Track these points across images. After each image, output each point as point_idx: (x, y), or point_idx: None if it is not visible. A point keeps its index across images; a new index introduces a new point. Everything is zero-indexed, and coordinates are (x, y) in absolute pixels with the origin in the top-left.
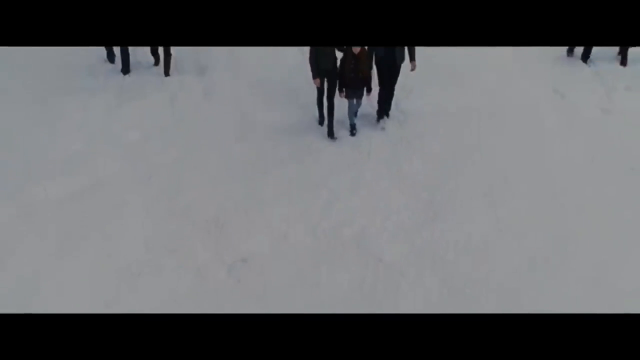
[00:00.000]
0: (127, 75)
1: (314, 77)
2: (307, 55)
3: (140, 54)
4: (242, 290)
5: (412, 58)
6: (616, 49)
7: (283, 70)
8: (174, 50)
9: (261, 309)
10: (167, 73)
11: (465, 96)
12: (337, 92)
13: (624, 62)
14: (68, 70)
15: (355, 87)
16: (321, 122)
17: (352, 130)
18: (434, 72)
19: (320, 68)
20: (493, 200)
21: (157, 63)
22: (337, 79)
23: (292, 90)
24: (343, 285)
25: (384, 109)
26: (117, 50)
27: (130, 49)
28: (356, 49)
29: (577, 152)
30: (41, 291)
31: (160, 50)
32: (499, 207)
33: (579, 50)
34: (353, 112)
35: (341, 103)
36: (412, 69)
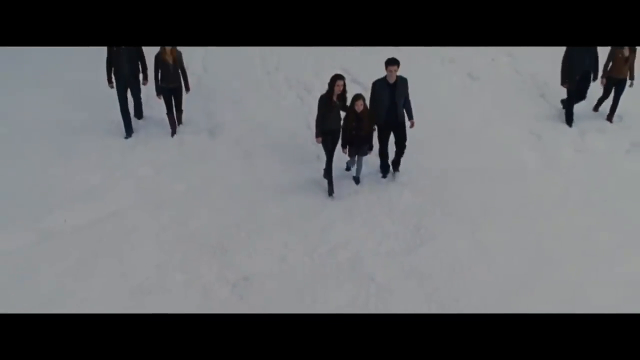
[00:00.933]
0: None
1: (317, 136)
2: (304, 99)
3: (154, 104)
4: (244, 306)
5: (410, 117)
6: (591, 105)
7: (282, 114)
8: (184, 106)
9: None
10: (179, 122)
11: (451, 138)
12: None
13: (596, 108)
14: (88, 123)
15: (358, 145)
16: (331, 193)
17: (348, 169)
18: (422, 119)
19: (325, 129)
20: (475, 228)
21: (175, 132)
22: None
23: (290, 131)
24: (338, 301)
25: (385, 163)
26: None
27: (143, 100)
28: (359, 107)
29: (553, 186)
30: (59, 307)
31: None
32: (480, 234)
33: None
34: (353, 168)
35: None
36: (411, 126)
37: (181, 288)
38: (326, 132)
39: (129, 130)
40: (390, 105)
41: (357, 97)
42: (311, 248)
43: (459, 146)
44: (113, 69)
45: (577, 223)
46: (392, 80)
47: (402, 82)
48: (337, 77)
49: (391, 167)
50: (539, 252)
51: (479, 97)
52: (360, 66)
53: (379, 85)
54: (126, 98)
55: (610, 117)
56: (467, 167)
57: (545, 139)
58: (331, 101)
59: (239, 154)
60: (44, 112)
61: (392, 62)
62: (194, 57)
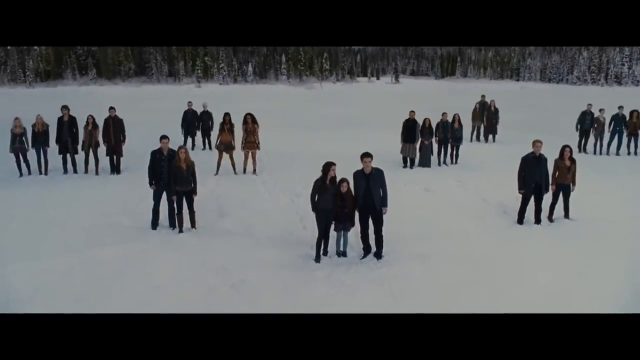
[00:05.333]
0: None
1: (313, 209)
2: (295, 201)
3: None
4: (240, 297)
5: (385, 204)
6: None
7: (277, 208)
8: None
9: (253, 309)
10: (193, 225)
11: (412, 222)
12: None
13: (550, 216)
14: (122, 216)
15: (343, 221)
16: (318, 260)
17: (339, 256)
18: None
19: (320, 208)
20: (426, 261)
21: (181, 230)
22: (334, 216)
23: (283, 215)
24: (315, 295)
25: (367, 245)
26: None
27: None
28: (343, 189)
29: (487, 244)
30: (97, 299)
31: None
32: (430, 264)
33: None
34: (340, 242)
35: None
36: (384, 213)
37: (190, 287)
38: (320, 211)
39: (154, 225)
40: (365, 192)
41: (342, 180)
42: (295, 270)
43: (417, 225)
44: (155, 174)
45: (497, 254)
46: (367, 170)
47: (377, 172)
48: (330, 164)
49: (375, 258)
50: (474, 276)
51: (433, 202)
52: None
53: (357, 175)
54: (160, 200)
55: (566, 216)
56: (422, 233)
57: (486, 220)
58: (325, 184)
59: (242, 225)
60: (90, 207)
61: (366, 155)
62: (208, 176)
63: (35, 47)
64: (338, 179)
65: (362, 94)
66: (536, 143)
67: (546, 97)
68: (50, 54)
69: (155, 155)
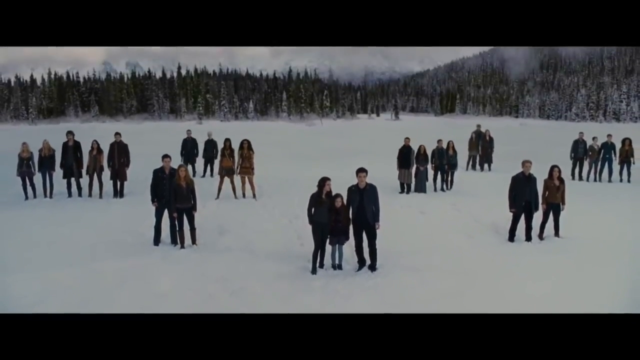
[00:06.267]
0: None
1: (310, 223)
2: (293, 222)
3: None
4: (240, 303)
5: (377, 219)
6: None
7: (276, 227)
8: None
9: (251, 311)
10: (193, 242)
11: (408, 238)
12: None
13: (541, 235)
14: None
15: (337, 235)
16: (314, 272)
17: (335, 269)
18: (389, 229)
19: (316, 221)
20: (418, 271)
21: (183, 246)
22: (329, 230)
23: (281, 232)
24: (311, 301)
25: (362, 258)
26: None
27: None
28: (338, 203)
29: (477, 258)
30: (103, 305)
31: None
32: (423, 275)
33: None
34: (335, 256)
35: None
36: (377, 228)
37: (191, 294)
38: (316, 223)
39: (157, 241)
40: (358, 206)
41: (337, 195)
42: (292, 280)
43: (412, 242)
44: (157, 192)
45: (492, 278)
46: (362, 185)
47: (371, 188)
48: (326, 179)
49: (370, 270)
50: (466, 286)
51: (428, 222)
52: None
53: (351, 190)
54: (161, 217)
55: (557, 234)
56: (416, 249)
57: (478, 238)
58: (320, 198)
59: (241, 242)
60: (94, 227)
61: (361, 170)
62: (209, 200)
63: (39, 85)
64: (333, 195)
65: (362, 129)
66: (525, 163)
67: (544, 133)
68: (53, 91)
69: (157, 174)
